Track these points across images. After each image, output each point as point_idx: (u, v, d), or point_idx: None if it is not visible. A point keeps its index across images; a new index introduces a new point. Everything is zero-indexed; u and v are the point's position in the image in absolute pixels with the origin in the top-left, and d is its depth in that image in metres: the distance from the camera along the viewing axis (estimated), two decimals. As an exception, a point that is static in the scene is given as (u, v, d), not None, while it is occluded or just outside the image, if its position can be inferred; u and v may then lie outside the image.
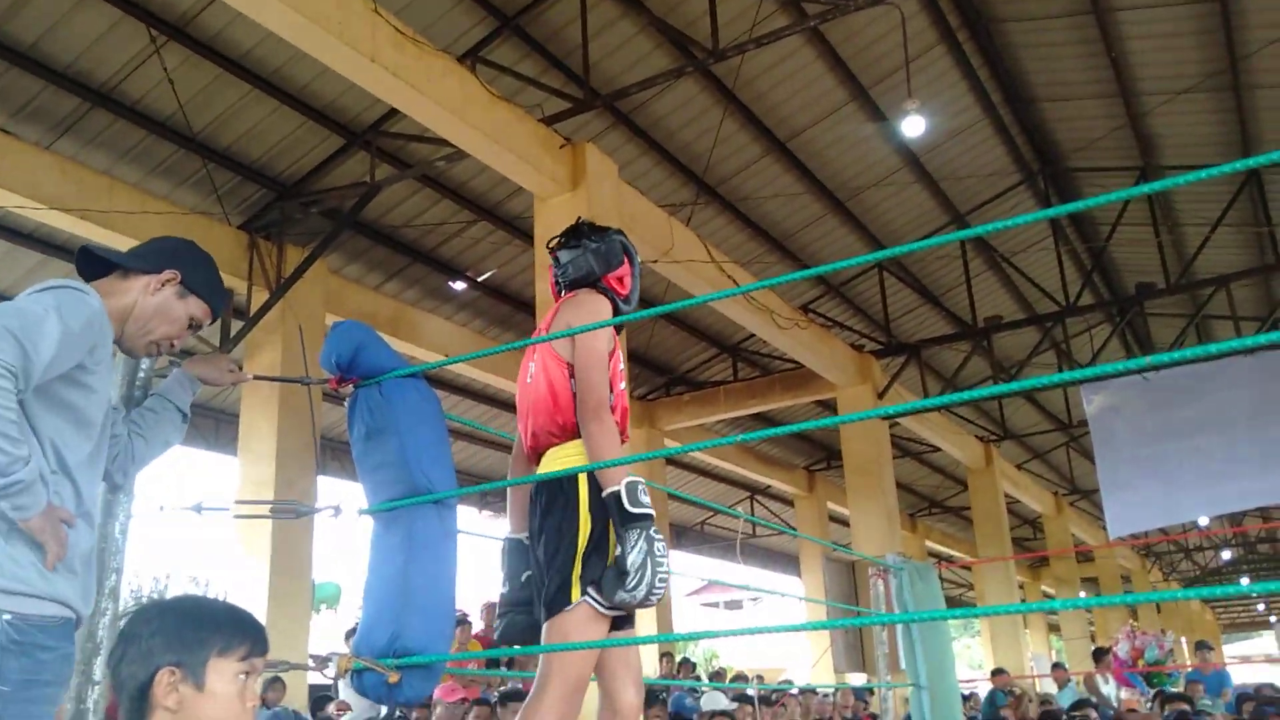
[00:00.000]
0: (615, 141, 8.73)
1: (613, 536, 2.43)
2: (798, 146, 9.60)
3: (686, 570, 19.37)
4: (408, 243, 9.68)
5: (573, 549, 2.43)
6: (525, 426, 2.68)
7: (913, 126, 8.15)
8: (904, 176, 10.51)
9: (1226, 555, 28.97)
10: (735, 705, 7.77)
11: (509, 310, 10.91)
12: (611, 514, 2.40)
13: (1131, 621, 25.09)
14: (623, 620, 2.52)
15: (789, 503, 17.99)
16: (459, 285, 10.31)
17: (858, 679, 10.22)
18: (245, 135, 7.99)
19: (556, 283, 2.81)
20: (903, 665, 6.10)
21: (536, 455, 2.65)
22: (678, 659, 11.87)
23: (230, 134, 7.94)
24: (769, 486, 17.37)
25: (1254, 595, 33.71)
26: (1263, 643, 38.45)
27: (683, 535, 18.83)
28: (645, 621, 11.37)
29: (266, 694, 7.17)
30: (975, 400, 13.73)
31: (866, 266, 11.86)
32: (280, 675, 7.44)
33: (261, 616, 7.57)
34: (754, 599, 39.56)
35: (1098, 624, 23.51)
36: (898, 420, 13.16)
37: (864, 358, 12.18)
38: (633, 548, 2.33)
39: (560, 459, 2.57)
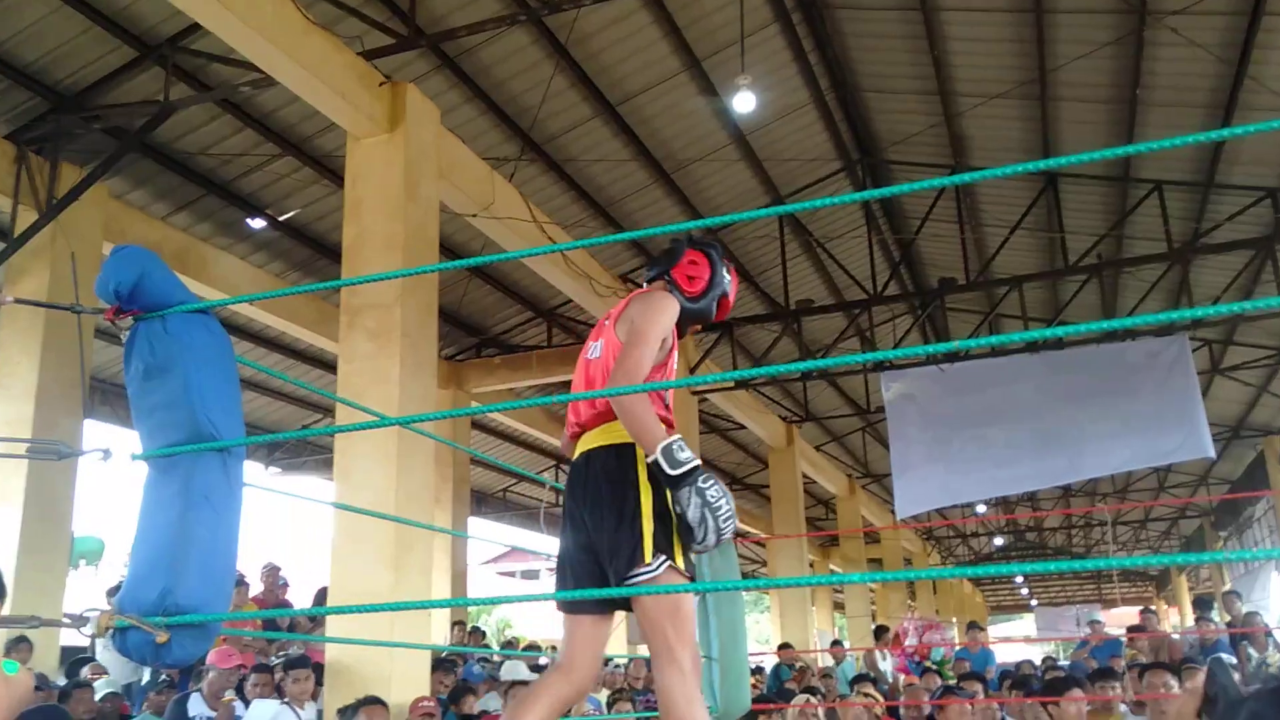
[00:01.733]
0: (439, 85, 8.49)
1: (668, 497, 2.62)
2: (628, 111, 9.62)
3: (485, 536, 19.29)
4: (203, 172, 9.10)
5: (638, 518, 2.63)
6: (576, 404, 2.89)
7: (743, 103, 8.32)
8: (730, 153, 10.73)
9: (999, 542, 31.47)
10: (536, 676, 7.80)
11: (311, 254, 10.46)
12: (660, 479, 2.59)
13: (910, 603, 26.88)
14: None
15: (594, 473, 18.18)
16: (258, 223, 9.78)
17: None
18: (19, 35, 7.27)
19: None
20: (697, 638, 6.29)
21: (579, 432, 2.87)
22: (469, 627, 11.84)
23: (1, 31, 7.21)
24: (575, 456, 17.49)
25: (1017, 578, 36.75)
26: (1024, 624, 42.06)
27: (484, 502, 18.73)
28: (439, 588, 11.25)
29: (9, 653, 6.65)
30: (782, 379, 14.33)
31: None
32: (27, 634, 6.90)
33: (9, 568, 7.00)
34: (551, 569, 39.86)
35: (879, 603, 25.06)
36: (707, 395, 13.51)
37: (678, 331, 12.42)
38: (688, 505, 2.51)
39: (609, 434, 2.77)
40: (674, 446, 2.54)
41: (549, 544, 20.72)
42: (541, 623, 28.52)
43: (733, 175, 11.21)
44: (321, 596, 7.88)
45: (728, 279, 3.11)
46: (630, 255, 12.04)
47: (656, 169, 10.50)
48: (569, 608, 2.87)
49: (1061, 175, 10.95)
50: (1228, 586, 19.90)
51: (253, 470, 14.86)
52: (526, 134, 9.29)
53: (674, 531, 2.64)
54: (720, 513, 2.54)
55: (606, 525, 2.66)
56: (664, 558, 2.60)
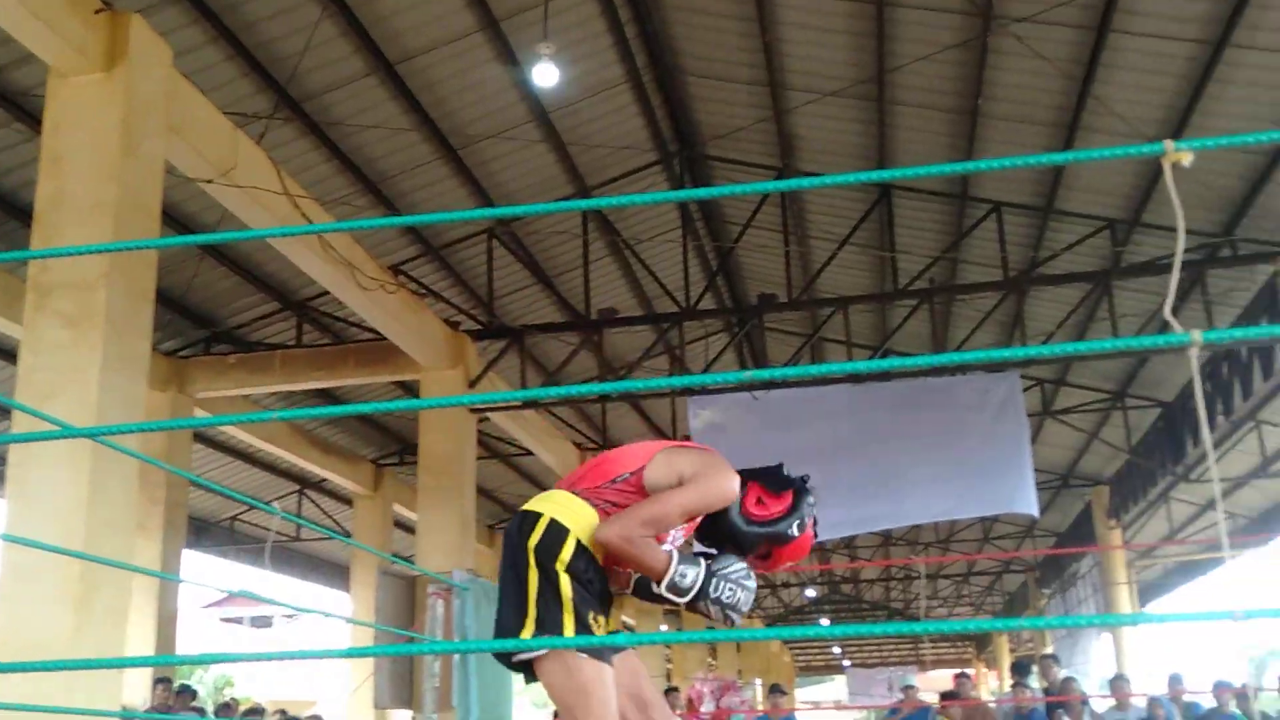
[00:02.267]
0: (172, 20, 8.08)
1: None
2: (409, 72, 9.48)
3: (206, 578, 18.47)
4: None
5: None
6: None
7: (545, 75, 8.36)
8: (530, 133, 10.74)
9: (811, 593, 32.73)
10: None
11: (-4, 215, 9.75)
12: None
13: (710, 661, 27.54)
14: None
15: (348, 501, 17.72)
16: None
17: (403, 716, 10.30)
18: None
19: None
20: (455, 701, 6.21)
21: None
22: (176, 685, 11.27)
23: None
24: (324, 480, 17.00)
25: (830, 638, 38.33)
26: (834, 688, 43.88)
27: (205, 532, 17.89)
28: (140, 637, 10.67)
29: None
30: (579, 401, 14.43)
31: (475, 229, 11.98)
32: None
33: None
34: (289, 616, 38.60)
35: (675, 661, 25.55)
36: (488, 415, 13.43)
37: (459, 337, 12.29)
38: (710, 613, 2.90)
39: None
40: (675, 578, 2.87)
41: (282, 585, 20.09)
42: (270, 680, 27.53)
43: (531, 158, 11.22)
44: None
45: (796, 533, 3.17)
46: (405, 243, 11.84)
47: (441, 143, 10.38)
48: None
49: (896, 188, 11.55)
50: (1049, 649, 21.41)
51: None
52: (282, 87, 8.99)
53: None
54: (739, 606, 2.91)
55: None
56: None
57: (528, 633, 2.81)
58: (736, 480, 3.05)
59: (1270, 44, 8.07)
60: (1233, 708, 10.08)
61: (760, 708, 11.63)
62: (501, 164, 11.16)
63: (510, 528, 2.98)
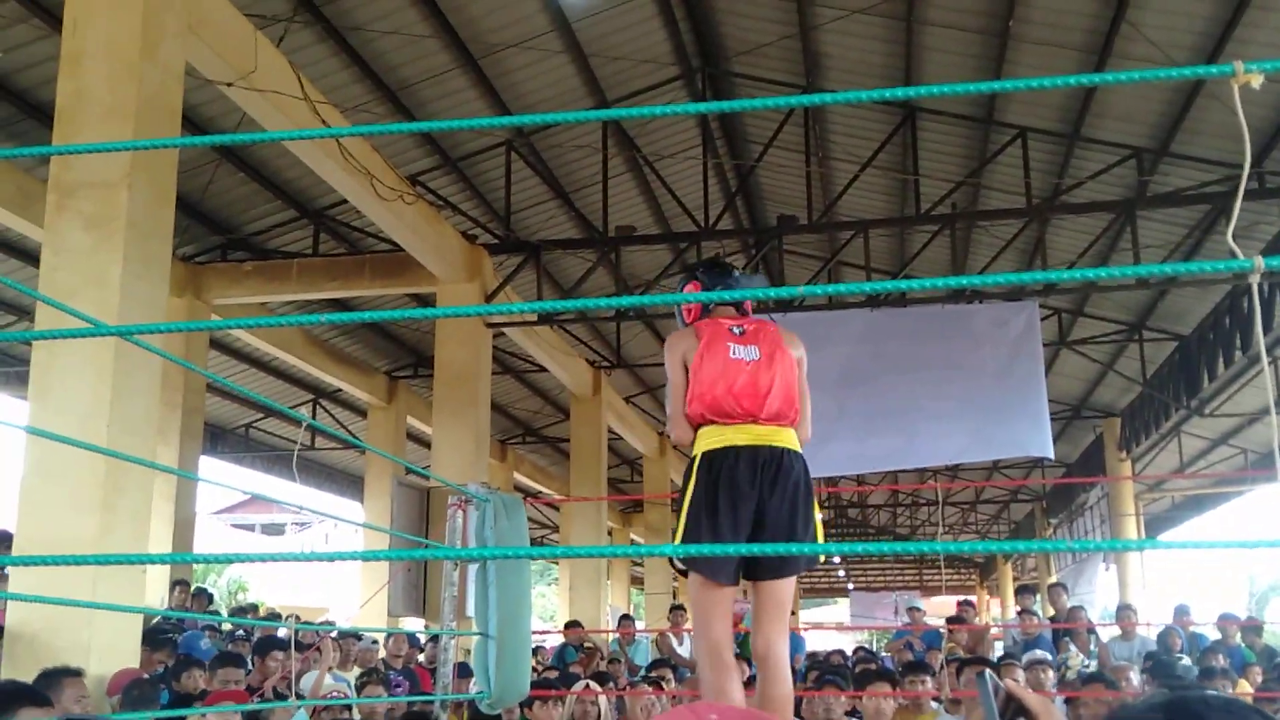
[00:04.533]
0: (195, -82, 7.97)
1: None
2: (431, -22, 9.36)
3: (220, 480, 18.69)
4: None
5: (816, 529, 4.04)
6: (776, 396, 3.97)
7: (571, -17, 8.21)
8: (551, 43, 10.61)
9: (818, 516, 32.97)
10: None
11: (12, 112, 9.67)
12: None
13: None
14: None
15: (361, 412, 17.85)
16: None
17: (414, 624, 10.47)
18: None
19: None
20: (470, 611, 6.30)
21: (764, 422, 3.92)
22: (192, 588, 11.48)
23: None
24: (339, 390, 17.10)
25: (834, 559, 38.67)
26: (838, 610, 44.42)
27: (220, 439, 18.09)
28: (158, 540, 10.84)
29: None
30: (592, 316, 14.42)
31: (494, 141, 11.90)
32: None
33: None
34: (301, 524, 39.12)
35: (681, 582, 25.87)
36: (504, 330, 13.45)
37: (476, 250, 12.26)
38: None
39: (797, 443, 4.02)
40: None
41: (296, 493, 20.32)
42: (283, 586, 27.98)
43: (552, 69, 11.09)
44: (5, 542, 7.44)
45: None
46: (423, 152, 11.78)
47: (461, 51, 10.26)
48: (726, 578, 3.95)
49: (921, 110, 11.41)
50: (1054, 578, 21.64)
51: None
52: (303, -9, 8.90)
53: None
54: None
55: (798, 524, 3.88)
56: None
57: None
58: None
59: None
60: (1237, 639, 10.19)
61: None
62: (522, 75, 11.04)
63: (787, 464, 3.89)
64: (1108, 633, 10.76)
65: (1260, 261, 1.73)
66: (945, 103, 11.24)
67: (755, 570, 3.96)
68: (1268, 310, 11.82)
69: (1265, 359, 9.34)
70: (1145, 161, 10.84)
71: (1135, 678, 7.89)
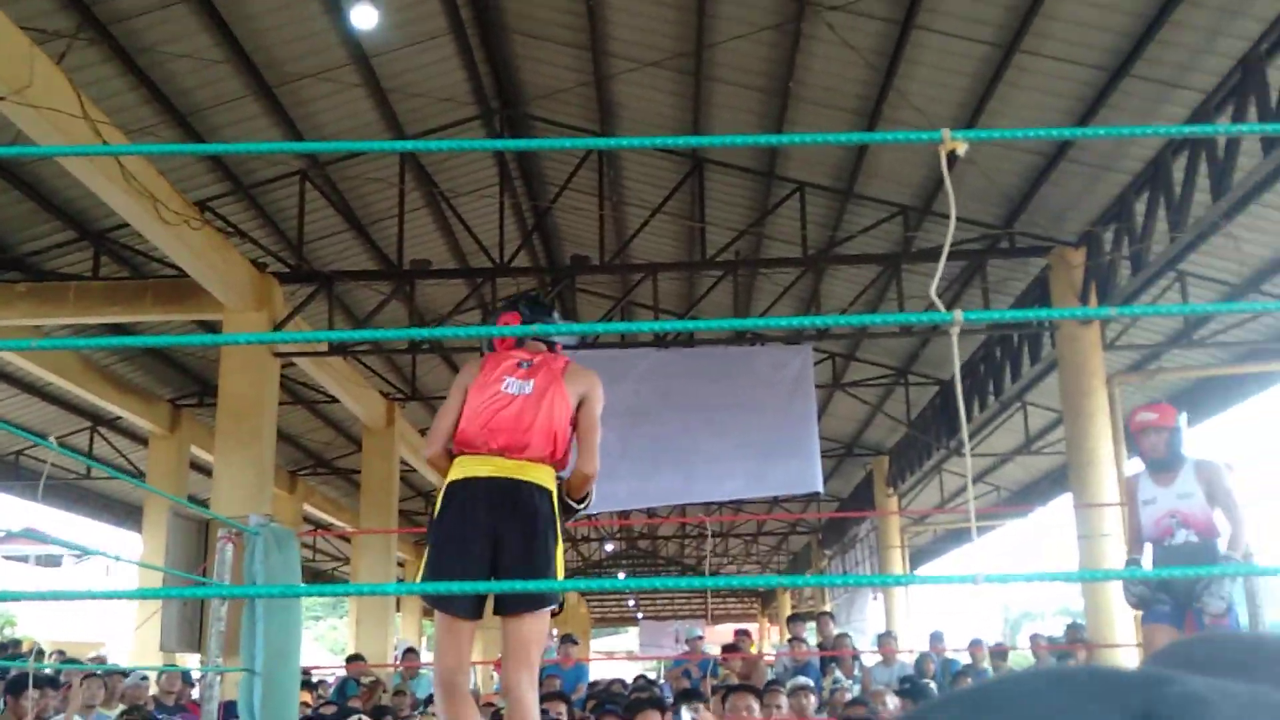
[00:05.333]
0: (-32, -76, 7.47)
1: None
2: (223, 1, 9.01)
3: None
4: None
5: (555, 565, 3.88)
6: (521, 430, 3.92)
7: (364, 17, 8.12)
8: (349, 76, 10.38)
9: (610, 547, 33.14)
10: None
11: None
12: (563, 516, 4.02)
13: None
14: None
15: (143, 440, 16.92)
16: None
17: (193, 659, 9.95)
18: None
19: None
20: (241, 646, 6.01)
21: (511, 456, 3.89)
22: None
23: None
24: (119, 419, 16.18)
25: (627, 591, 38.93)
26: (628, 639, 44.63)
27: (-12, 466, 16.85)
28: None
29: None
30: (387, 347, 14.10)
31: (287, 169, 11.54)
32: None
33: None
34: (77, 556, 36.80)
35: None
36: (294, 360, 13.00)
37: (266, 279, 11.84)
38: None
39: (549, 479, 3.97)
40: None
41: (74, 524, 19.08)
42: (55, 621, 26.21)
43: (350, 102, 10.85)
44: None
45: None
46: (213, 179, 11.31)
47: (255, 78, 9.92)
48: (460, 611, 3.87)
49: (708, 161, 11.68)
50: (828, 606, 22.30)
51: None
52: (87, 6, 8.43)
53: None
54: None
55: (537, 559, 3.78)
56: (557, 604, 4.00)
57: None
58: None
59: (1055, 53, 8.48)
60: (985, 664, 10.71)
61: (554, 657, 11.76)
62: (318, 106, 10.76)
63: (525, 495, 3.85)
64: (871, 659, 11.14)
65: (959, 314, 1.81)
66: (730, 155, 11.53)
67: (497, 606, 3.91)
68: (1017, 359, 12.57)
69: (961, 429, 9.85)
70: (910, 219, 11.36)
71: (890, 700, 8.18)
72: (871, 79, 9.44)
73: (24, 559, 38.99)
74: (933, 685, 9.47)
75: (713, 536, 27.79)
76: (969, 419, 14.43)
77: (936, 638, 11.82)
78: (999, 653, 11.26)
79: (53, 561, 39.74)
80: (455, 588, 3.67)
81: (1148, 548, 5.41)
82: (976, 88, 9.10)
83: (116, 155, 8.34)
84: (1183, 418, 5.49)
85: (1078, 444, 10.60)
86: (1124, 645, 9.21)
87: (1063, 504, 14.61)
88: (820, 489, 12.21)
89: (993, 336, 12.72)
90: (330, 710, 8.35)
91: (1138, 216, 9.60)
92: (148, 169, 9.48)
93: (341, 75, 10.32)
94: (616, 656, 37.43)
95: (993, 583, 1.90)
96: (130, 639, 17.97)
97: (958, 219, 9.50)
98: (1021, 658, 16.30)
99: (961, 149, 1.98)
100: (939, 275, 2.25)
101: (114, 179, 8.96)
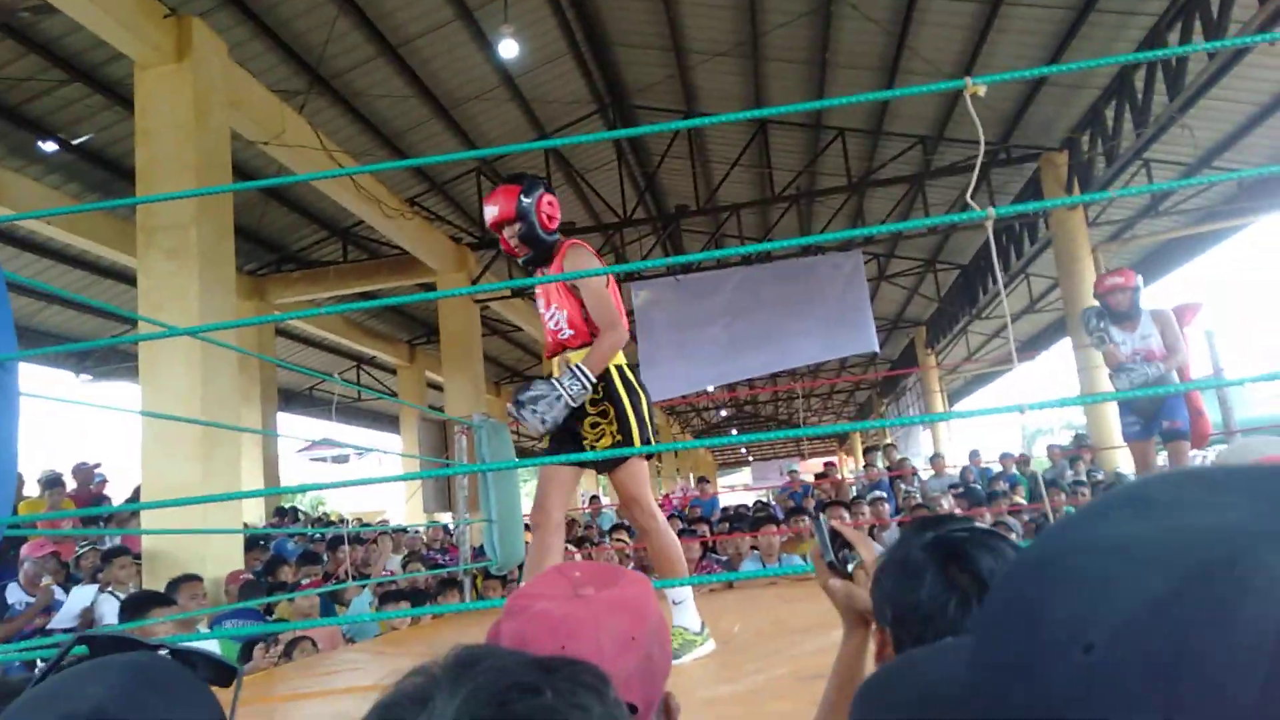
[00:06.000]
0: (225, 21, 7.61)
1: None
2: (408, 53, 9.04)
3: (295, 431, 18.36)
4: (-14, 96, 7.81)
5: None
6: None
7: (508, 49, 8.02)
8: (501, 93, 10.35)
9: (724, 413, 33.29)
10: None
11: (107, 176, 9.27)
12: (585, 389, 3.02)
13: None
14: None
15: (393, 371, 17.60)
16: (50, 146, 8.55)
17: (445, 517, 10.42)
18: None
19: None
20: (480, 504, 6.28)
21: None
22: (286, 508, 11.33)
23: None
24: (374, 357, 16.84)
25: (740, 443, 39.14)
26: (743, 475, 45.02)
27: (292, 400, 17.75)
28: (252, 477, 10.65)
29: None
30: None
31: (467, 168, 11.64)
32: None
33: None
34: (358, 455, 38.64)
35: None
36: (488, 303, 13.28)
37: (461, 249, 12.06)
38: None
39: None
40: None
41: (354, 434, 20.03)
42: (349, 499, 27.72)
43: (503, 113, 10.84)
44: (136, 494, 7.26)
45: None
46: (415, 182, 11.49)
47: (436, 105, 9.99)
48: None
49: (769, 123, 11.32)
50: (889, 440, 22.05)
51: (62, 378, 13.35)
52: (314, 69, 8.56)
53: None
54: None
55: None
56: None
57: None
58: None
59: (1033, 0, 7.91)
60: (1013, 469, 10.45)
61: (693, 493, 12.05)
62: (482, 119, 10.76)
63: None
64: (926, 473, 10.99)
65: (992, 211, 1.74)
66: (786, 116, 11.14)
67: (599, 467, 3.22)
68: (1019, 243, 12.01)
69: (1002, 281, 9.46)
70: (928, 145, 10.87)
71: (946, 502, 8.08)
72: (889, 42, 8.98)
73: (324, 459, 41.10)
74: (977, 486, 9.32)
75: (801, 398, 27.62)
76: (985, 291, 13.91)
77: (974, 454, 11.57)
78: (1022, 461, 10.95)
79: (342, 459, 41.81)
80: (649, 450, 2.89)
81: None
82: (972, 37, 8.57)
83: (351, 175, 8.52)
84: (1139, 279, 5.18)
85: (1072, 300, 10.13)
86: (1118, 446, 8.87)
87: (1063, 348, 14.03)
88: (877, 349, 11.99)
89: (999, 226, 12.15)
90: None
91: (1108, 121, 8.99)
92: (370, 180, 9.69)
93: (495, 94, 10.30)
94: (736, 488, 37.84)
95: (1035, 409, 1.83)
96: (402, 508, 18.93)
97: (965, 141, 8.99)
98: (1040, 463, 15.86)
99: (982, 91, 1.87)
100: (974, 183, 2.15)
101: (349, 190, 9.19)
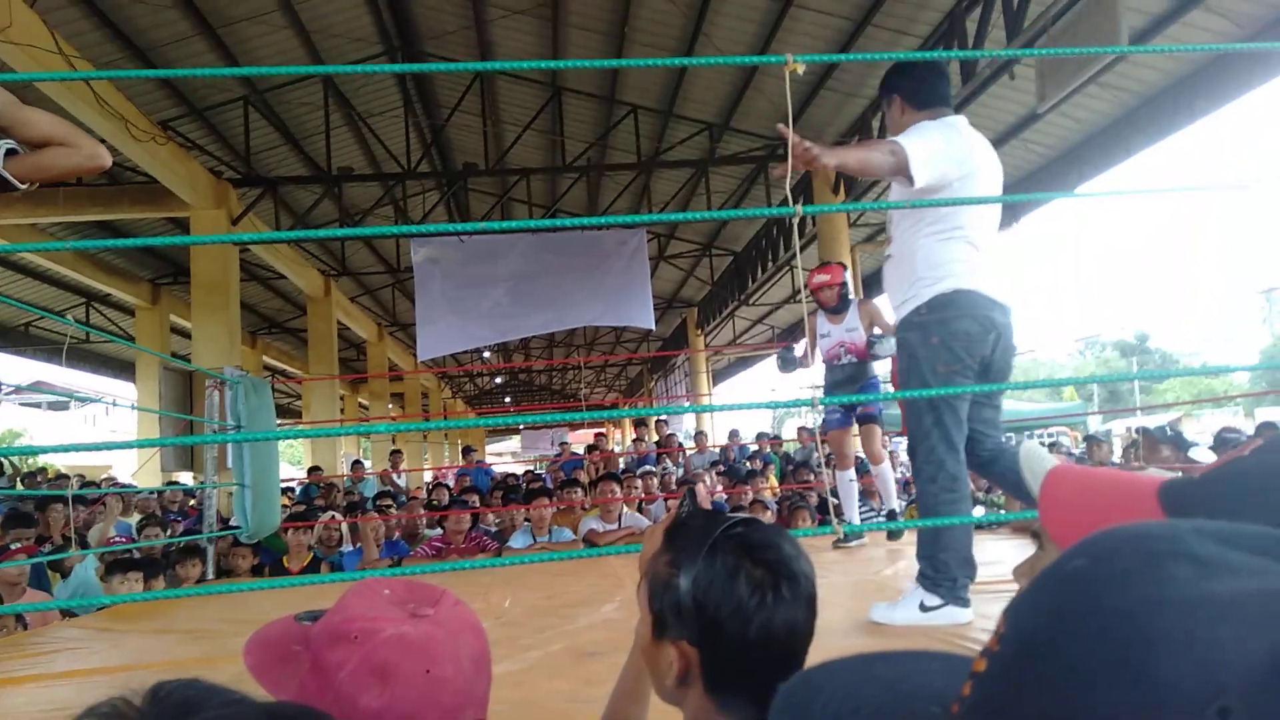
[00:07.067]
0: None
1: None
2: (171, -43, 8.08)
3: (7, 373, 16.09)
4: None
5: None
6: None
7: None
8: (277, 19, 9.52)
9: (498, 380, 33.05)
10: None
11: None
12: None
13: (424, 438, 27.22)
14: None
15: (130, 312, 15.82)
16: None
17: (185, 477, 9.56)
18: None
19: None
20: (230, 464, 5.81)
21: None
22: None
23: None
24: (109, 295, 15.04)
25: (509, 406, 39.03)
26: (511, 444, 45.01)
27: (5, 336, 15.51)
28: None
29: None
30: (325, 240, 13.39)
31: (233, 95, 10.63)
32: None
33: None
34: (83, 400, 34.58)
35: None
36: (249, 247, 12.27)
37: (221, 184, 11.01)
38: None
39: None
40: None
41: (78, 379, 17.92)
42: (67, 454, 24.71)
43: (280, 41, 9.98)
44: None
45: None
46: (171, 103, 10.34)
47: (200, 20, 9.01)
48: None
49: (565, 89, 11.28)
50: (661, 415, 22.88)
51: None
52: (51, -42, 7.43)
53: None
54: None
55: None
56: None
57: None
58: None
59: (819, 6, 8.41)
60: (767, 449, 11.22)
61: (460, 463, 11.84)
62: (254, 44, 9.85)
63: None
64: (690, 450, 11.53)
65: (799, 208, 1.82)
66: (581, 84, 11.16)
67: None
68: (789, 234, 12.80)
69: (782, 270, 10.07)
70: (715, 133, 11.30)
71: (709, 478, 8.51)
72: (686, 25, 9.21)
73: (37, 405, 36.47)
74: (737, 465, 9.88)
75: (578, 368, 27.97)
76: (754, 279, 14.71)
77: (734, 433, 12.30)
78: (775, 442, 11.78)
79: (61, 405, 37.27)
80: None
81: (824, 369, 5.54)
82: (763, 32, 8.98)
83: (86, 80, 7.53)
84: (847, 274, 5.63)
85: (831, 294, 10.95)
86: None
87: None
88: (653, 326, 12.39)
89: (772, 219, 12.91)
90: (302, 508, 8.19)
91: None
92: (116, 95, 8.60)
93: (271, 19, 9.46)
94: (503, 458, 37.75)
95: (782, 407, 1.94)
96: (132, 463, 17.15)
97: (749, 133, 9.47)
98: (791, 445, 17.14)
99: (801, 69, 1.94)
100: (790, 172, 2.22)
101: (90, 103, 8.10)
